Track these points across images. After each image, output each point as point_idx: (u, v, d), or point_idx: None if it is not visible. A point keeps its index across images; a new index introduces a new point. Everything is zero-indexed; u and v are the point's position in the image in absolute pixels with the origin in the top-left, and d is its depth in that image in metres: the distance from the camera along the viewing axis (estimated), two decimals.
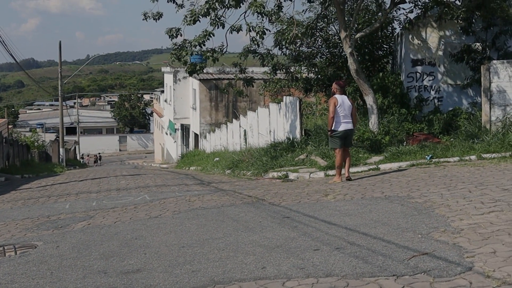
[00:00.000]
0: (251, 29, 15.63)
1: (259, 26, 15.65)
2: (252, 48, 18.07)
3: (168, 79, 46.94)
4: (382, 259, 5.77)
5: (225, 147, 30.47)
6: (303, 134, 18.77)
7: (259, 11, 14.53)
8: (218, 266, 6.20)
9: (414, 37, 17.76)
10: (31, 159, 39.83)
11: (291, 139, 18.78)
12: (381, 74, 18.29)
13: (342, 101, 12.04)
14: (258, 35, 15.83)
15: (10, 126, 60.81)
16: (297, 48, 20.12)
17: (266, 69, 22.15)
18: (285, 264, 5.99)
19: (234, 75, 20.98)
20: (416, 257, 5.72)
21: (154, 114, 69.24)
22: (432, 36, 17.68)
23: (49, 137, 60.99)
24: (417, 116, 17.51)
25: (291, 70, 21.03)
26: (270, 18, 15.57)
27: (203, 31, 16.28)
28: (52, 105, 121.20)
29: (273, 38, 17.53)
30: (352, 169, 12.95)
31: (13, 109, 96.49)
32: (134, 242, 7.84)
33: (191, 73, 17.58)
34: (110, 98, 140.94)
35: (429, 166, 12.94)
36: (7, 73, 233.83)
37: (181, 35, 17.00)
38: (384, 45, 20.46)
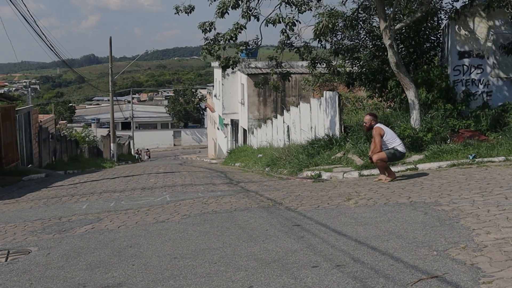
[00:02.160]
0: (280, 20, 14.82)
1: (289, 17, 14.81)
2: (288, 42, 17.24)
3: (217, 73, 46.51)
4: (383, 283, 4.95)
5: (270, 143, 29.76)
6: (342, 130, 17.85)
7: (286, 1, 13.72)
8: (202, 283, 5.53)
9: (461, 28, 16.57)
10: (80, 154, 40.07)
11: (330, 136, 17.89)
12: (425, 67, 17.19)
13: (386, 128, 11.65)
14: (288, 26, 15.00)
15: (63, 122, 61.88)
16: (338, 41, 19.17)
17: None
18: (274, 283, 5.27)
19: (265, 69, 20.20)
20: (423, 281, 4.89)
21: (208, 109, 69.19)
22: (480, 27, 16.44)
23: (103, 132, 61.58)
24: (464, 112, 16.34)
25: (332, 63, 20.09)
26: (300, 8, 14.72)
27: (234, 24, 15.57)
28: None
29: (312, 31, 16.65)
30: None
31: (70, 104, 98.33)
32: (127, 251, 7.23)
33: (224, 68, 16.90)
34: (168, 93, 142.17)
35: (471, 167, 11.90)
36: (68, 69, 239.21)
37: (214, 29, 16.33)
38: (432, 37, 19.26)
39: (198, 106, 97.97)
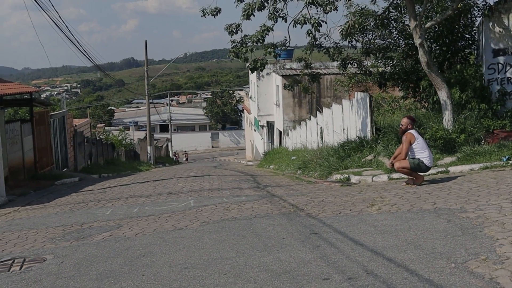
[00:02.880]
0: (305, 21, 14.53)
1: (314, 18, 14.51)
2: (316, 42, 16.93)
3: (252, 75, 46.35)
4: None
5: (304, 144, 29.46)
6: (374, 132, 17.45)
7: (311, 1, 13.44)
8: None
9: (495, 25, 16.00)
10: (116, 157, 40.43)
11: (361, 138, 17.52)
12: (459, 66, 16.67)
13: (419, 136, 11.19)
14: (314, 27, 14.70)
15: (101, 125, 62.59)
16: (369, 40, 18.78)
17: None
18: None
19: (300, 70, 19.90)
20: None
21: (245, 110, 69.17)
22: None
23: (141, 135, 62.10)
24: (499, 112, 15.77)
25: (364, 63, 19.70)
26: (325, 8, 14.40)
27: (261, 26, 15.35)
28: (151, 102, 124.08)
29: (339, 31, 16.29)
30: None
31: (109, 108, 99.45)
32: (139, 260, 7.09)
33: (252, 70, 16.67)
34: (206, 95, 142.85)
35: (504, 169, 11.44)
36: (108, 73, 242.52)
37: (241, 31, 16.14)
38: (466, 35, 18.68)
39: (235, 107, 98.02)
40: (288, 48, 17.26)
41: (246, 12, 14.52)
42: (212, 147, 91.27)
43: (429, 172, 12.32)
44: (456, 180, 10.79)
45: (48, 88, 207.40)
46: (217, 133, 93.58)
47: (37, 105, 24.24)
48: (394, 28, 18.99)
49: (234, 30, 16.02)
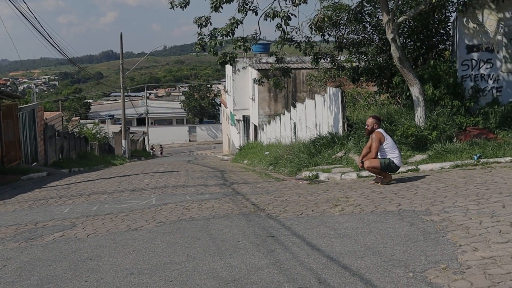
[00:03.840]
0: (275, 14, 14.13)
1: (284, 11, 14.11)
2: (288, 36, 16.51)
3: (228, 69, 45.88)
4: None
5: (278, 139, 29.10)
6: (345, 129, 17.13)
7: None
8: None
9: (469, 21, 15.73)
10: (90, 151, 39.70)
11: (333, 134, 17.19)
12: (432, 62, 16.41)
13: (387, 136, 10.92)
14: (283, 20, 14.31)
15: (76, 118, 61.70)
16: (342, 35, 18.43)
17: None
18: None
19: (271, 65, 19.47)
20: None
21: (222, 104, 68.70)
22: (490, 19, 15.58)
23: (117, 128, 61.25)
24: (472, 109, 15.54)
25: (337, 58, 19.35)
26: (294, 1, 14.01)
27: (230, 19, 14.94)
28: (128, 96, 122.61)
29: (307, 24, 15.88)
30: None
31: (85, 101, 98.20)
32: (85, 264, 6.66)
33: (222, 64, 16.26)
34: (185, 88, 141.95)
35: (474, 168, 11.16)
36: (87, 65, 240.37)
37: (210, 24, 15.69)
38: (441, 30, 18.40)
39: (213, 101, 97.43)
40: (261, 41, 16.90)
41: (214, 4, 14.12)
42: (190, 141, 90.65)
43: (399, 170, 12.02)
44: (425, 179, 10.49)
45: (26, 80, 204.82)
46: (194, 127, 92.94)
47: (4, 98, 23.54)
48: (368, 23, 18.68)
49: (204, 23, 15.61)
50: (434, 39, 18.18)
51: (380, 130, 10.69)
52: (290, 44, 16.82)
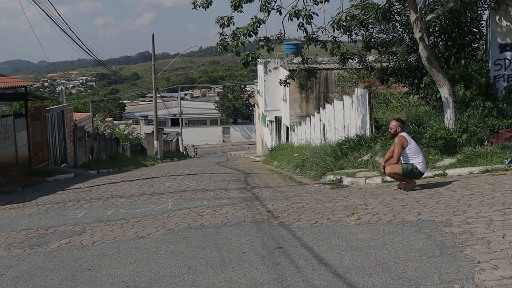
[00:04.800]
0: (296, 13, 13.70)
1: (305, 10, 13.67)
2: (313, 36, 16.05)
3: (260, 70, 45.55)
4: None
5: (308, 141, 28.64)
6: (372, 131, 16.60)
7: None
8: None
9: (502, 18, 15.04)
10: (122, 152, 39.78)
11: (360, 136, 16.67)
12: (463, 62, 15.77)
13: (411, 140, 10.35)
14: (304, 19, 13.87)
15: (110, 119, 62.11)
16: (371, 34, 17.90)
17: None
18: None
19: (297, 66, 18.99)
20: None
21: (255, 105, 68.39)
22: None
23: (150, 129, 61.46)
24: (505, 110, 14.84)
25: (366, 58, 18.82)
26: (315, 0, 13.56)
27: (252, 18, 14.56)
28: (163, 96, 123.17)
29: (329, 24, 15.38)
30: None
31: (120, 101, 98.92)
32: (83, 275, 6.37)
33: (244, 65, 15.83)
34: (220, 89, 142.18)
35: (505, 173, 10.58)
36: (123, 66, 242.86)
37: (233, 24, 15.33)
38: (473, 29, 17.72)
39: (247, 102, 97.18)
40: (294, 42, 16.41)
41: (234, 3, 13.76)
42: (223, 141, 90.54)
43: (426, 175, 11.49)
44: (451, 185, 9.95)
45: (64, 81, 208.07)
46: (228, 127, 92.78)
47: (31, 99, 23.61)
48: (397, 22, 18.13)
49: (226, 23, 15.24)
50: (466, 38, 17.52)
51: (403, 134, 10.18)
52: (315, 44, 16.36)
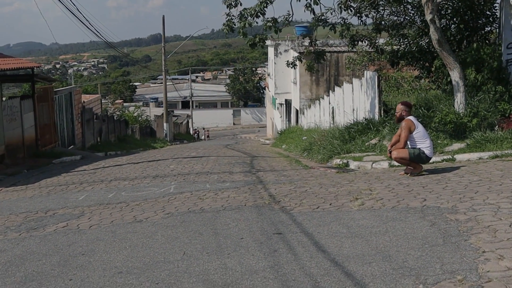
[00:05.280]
0: None
1: None
2: (322, 17, 15.74)
3: (271, 52, 45.12)
4: None
5: (317, 124, 28.35)
6: (381, 114, 16.32)
7: None
8: None
9: None
10: (131, 134, 39.65)
11: (369, 119, 16.40)
12: (475, 45, 15.39)
13: (418, 124, 10.02)
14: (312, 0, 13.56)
15: (120, 101, 62.01)
16: (381, 16, 17.55)
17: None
18: None
19: (305, 48, 18.66)
20: None
21: (266, 88, 67.96)
22: None
23: (161, 111, 61.30)
24: None
25: (376, 41, 18.48)
26: None
27: None
28: (175, 79, 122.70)
29: (336, 3, 15.04)
30: None
31: (130, 84, 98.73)
32: (76, 260, 6.20)
33: (252, 46, 15.58)
34: (231, 71, 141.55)
35: None
36: (135, 48, 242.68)
37: (240, 5, 15.06)
38: (487, 12, 17.30)
39: (258, 85, 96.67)
40: (305, 24, 16.08)
41: None
42: (234, 124, 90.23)
43: (434, 159, 11.22)
44: (459, 170, 9.69)
45: (75, 63, 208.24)
46: (238, 110, 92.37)
47: (39, 80, 23.44)
48: (408, 4, 17.77)
49: (233, 3, 14.98)
50: (479, 21, 17.14)
51: (410, 117, 9.91)
52: (324, 26, 16.04)
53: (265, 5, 14.19)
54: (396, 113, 10.22)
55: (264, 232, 6.59)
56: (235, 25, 14.60)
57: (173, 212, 8.31)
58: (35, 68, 22.73)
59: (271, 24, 14.96)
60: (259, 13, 14.46)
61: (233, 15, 14.68)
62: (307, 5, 14.26)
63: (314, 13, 14.81)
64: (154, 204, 9.28)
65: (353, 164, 12.62)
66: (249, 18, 14.81)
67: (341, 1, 14.11)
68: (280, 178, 11.43)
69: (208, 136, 68.67)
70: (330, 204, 7.83)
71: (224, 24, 14.71)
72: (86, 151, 26.70)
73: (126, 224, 7.79)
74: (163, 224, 7.53)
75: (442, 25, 15.57)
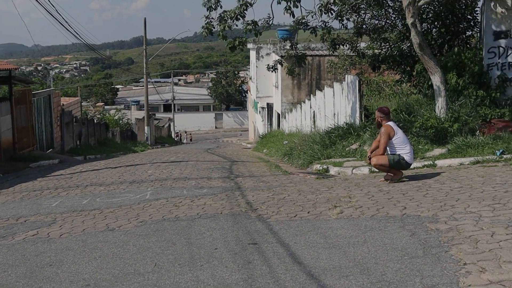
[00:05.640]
0: None
1: None
2: (303, 21, 15.56)
3: (252, 55, 44.93)
4: None
5: (298, 128, 28.20)
6: (362, 119, 16.17)
7: None
8: None
9: (497, 5, 14.57)
10: (111, 138, 39.21)
11: (350, 124, 16.24)
12: (456, 49, 15.32)
13: (398, 130, 9.85)
14: (292, 2, 13.37)
15: (100, 104, 61.49)
16: (363, 20, 17.44)
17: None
18: None
19: (285, 52, 18.49)
20: None
21: (248, 91, 67.79)
22: None
23: (142, 114, 60.85)
24: (498, 100, 14.42)
25: (358, 45, 18.35)
26: None
27: (239, 1, 14.06)
28: (157, 82, 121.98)
29: (317, 7, 14.89)
30: None
31: (112, 86, 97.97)
32: (42, 272, 5.93)
33: (231, 49, 15.35)
34: (213, 75, 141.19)
35: (496, 165, 10.17)
36: (118, 51, 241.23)
37: (220, 7, 14.85)
38: (468, 16, 17.24)
39: (240, 88, 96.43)
40: (286, 28, 15.95)
41: None
42: (216, 127, 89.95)
43: (415, 165, 11.08)
44: (440, 177, 9.54)
45: (57, 65, 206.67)
46: (221, 113, 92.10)
47: (16, 83, 23.02)
48: (390, 7, 17.69)
49: (213, 6, 14.75)
50: (460, 25, 17.10)
51: (389, 123, 9.75)
52: (304, 29, 15.87)
53: (245, 7, 13.99)
54: (376, 118, 10.08)
55: (239, 242, 6.37)
56: (214, 27, 14.37)
57: (147, 220, 8.05)
58: (12, 70, 22.32)
59: (251, 27, 14.76)
60: (239, 16, 14.26)
61: (212, 18, 14.46)
62: (287, 7, 14.07)
63: (294, 16, 14.64)
64: (128, 211, 9.02)
65: (333, 170, 12.44)
66: (229, 20, 14.60)
67: (322, 4, 13.94)
68: (258, 184, 11.21)
69: (191, 140, 68.38)
70: (308, 212, 7.63)
71: (203, 27, 14.48)
72: (65, 154, 26.28)
73: (98, 233, 7.52)
74: (135, 233, 7.27)
75: (423, 29, 15.48)
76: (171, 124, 72.19)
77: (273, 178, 12.33)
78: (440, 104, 13.36)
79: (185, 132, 73.37)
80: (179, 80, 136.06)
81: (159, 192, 10.95)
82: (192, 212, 8.41)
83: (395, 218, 6.73)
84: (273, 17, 15.47)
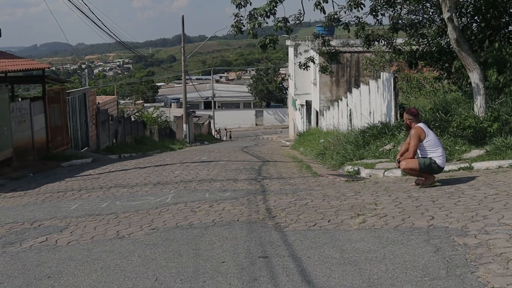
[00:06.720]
0: None
1: None
2: (335, 16, 15.01)
3: (290, 52, 44.39)
4: None
5: (336, 126, 27.61)
6: (397, 118, 15.54)
7: None
8: None
9: None
10: (149, 136, 39.21)
11: (385, 123, 15.63)
12: (497, 44, 14.54)
13: (429, 132, 9.24)
14: None
15: (140, 102, 61.78)
16: (399, 15, 16.77)
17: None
18: None
19: (318, 49, 17.96)
20: None
21: (289, 88, 67.25)
22: None
23: (182, 112, 60.87)
24: None
25: (392, 41, 17.69)
26: None
27: None
28: (198, 79, 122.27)
29: (346, 2, 14.33)
30: None
31: (153, 84, 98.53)
32: (40, 284, 5.63)
33: (262, 47, 14.90)
34: (255, 72, 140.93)
35: None
36: (160, 49, 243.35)
37: (250, 4, 14.41)
38: (511, 10, 16.41)
39: (280, 85, 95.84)
40: (303, 22, 15.41)
41: None
42: (256, 125, 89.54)
43: (450, 167, 10.48)
44: (475, 181, 8.91)
45: (101, 63, 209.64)
46: (261, 111, 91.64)
47: (50, 82, 23.06)
48: (427, 2, 16.97)
49: (242, 3, 14.30)
50: (502, 20, 16.27)
51: (420, 124, 9.16)
52: (337, 25, 15.31)
53: (274, 4, 13.51)
54: (405, 120, 9.51)
55: (249, 255, 5.92)
56: (243, 26, 13.93)
57: (159, 227, 7.67)
58: (45, 69, 22.35)
59: (282, 24, 14.29)
60: (269, 13, 13.78)
61: (241, 16, 14.01)
62: (317, 3, 13.54)
63: (324, 12, 14.09)
64: (143, 216, 8.66)
65: (364, 172, 11.89)
66: (259, 18, 14.14)
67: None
68: (284, 187, 10.75)
69: (230, 137, 68.20)
70: (329, 221, 7.12)
71: (232, 26, 14.06)
72: (101, 153, 26.28)
73: (106, 241, 7.18)
74: (144, 242, 6.89)
75: (462, 24, 14.76)
76: (211, 121, 72.11)
77: (301, 180, 11.84)
78: (479, 103, 12.66)
79: (225, 129, 73.18)
80: (221, 77, 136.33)
81: (180, 195, 10.59)
82: (208, 218, 8.00)
83: (421, 230, 6.18)
84: (304, 13, 14.95)
